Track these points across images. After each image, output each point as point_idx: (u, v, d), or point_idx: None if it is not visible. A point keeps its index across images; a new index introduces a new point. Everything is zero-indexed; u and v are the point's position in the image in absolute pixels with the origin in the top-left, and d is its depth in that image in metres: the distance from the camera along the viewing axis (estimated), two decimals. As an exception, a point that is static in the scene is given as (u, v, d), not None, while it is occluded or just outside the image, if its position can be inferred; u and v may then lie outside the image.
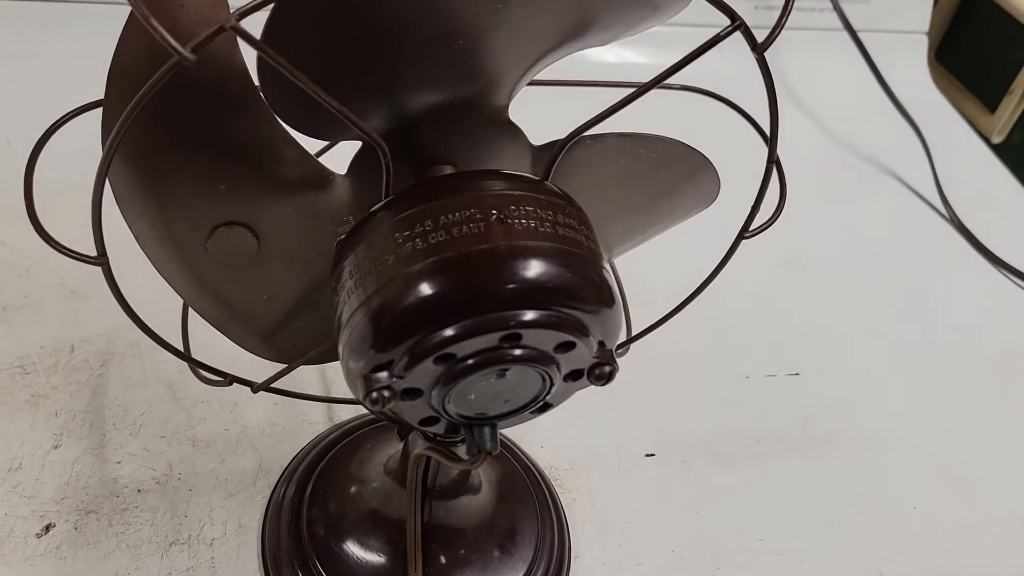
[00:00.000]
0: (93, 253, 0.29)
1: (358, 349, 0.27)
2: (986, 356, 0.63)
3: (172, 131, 0.28)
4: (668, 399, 0.55)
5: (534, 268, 0.26)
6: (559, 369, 0.28)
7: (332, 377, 0.52)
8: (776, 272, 0.66)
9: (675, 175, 0.35)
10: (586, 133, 0.29)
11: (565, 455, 0.51)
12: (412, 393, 0.28)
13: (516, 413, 0.30)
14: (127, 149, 0.28)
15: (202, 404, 0.49)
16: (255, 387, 0.37)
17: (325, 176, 0.31)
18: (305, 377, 0.50)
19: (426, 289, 0.25)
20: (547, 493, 0.46)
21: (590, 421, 0.52)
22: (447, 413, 0.29)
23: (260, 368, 0.37)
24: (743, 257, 0.36)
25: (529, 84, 0.31)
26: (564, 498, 0.48)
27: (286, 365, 0.36)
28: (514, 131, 0.31)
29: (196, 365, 0.36)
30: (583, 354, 0.28)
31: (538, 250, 0.26)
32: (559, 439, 0.51)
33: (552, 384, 0.29)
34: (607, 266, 0.29)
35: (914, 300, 0.67)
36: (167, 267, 0.32)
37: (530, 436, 0.51)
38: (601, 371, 0.28)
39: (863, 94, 0.86)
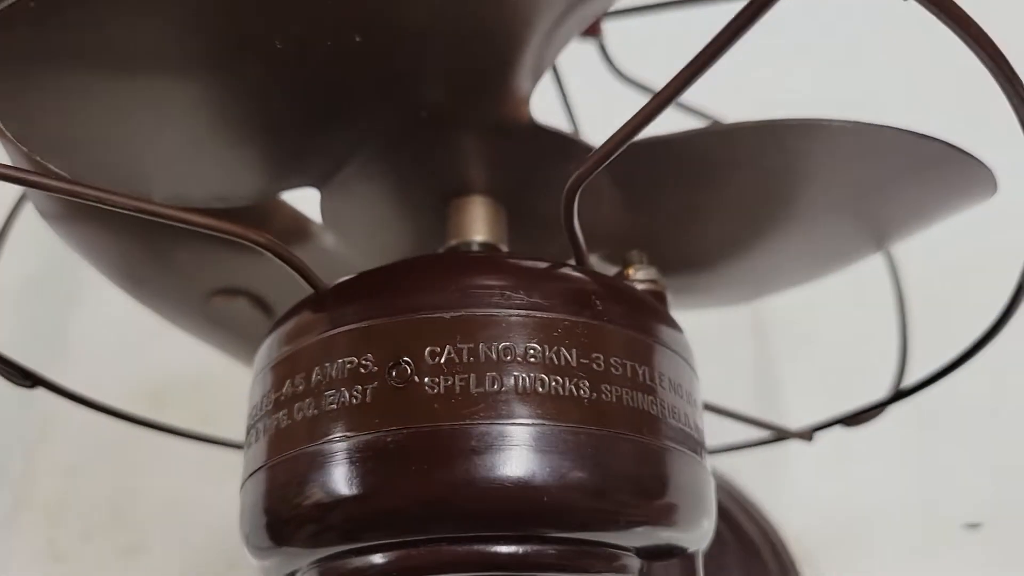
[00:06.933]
0: None
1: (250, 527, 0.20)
2: None
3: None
4: (1006, 440, 0.38)
5: (529, 467, 0.17)
6: None
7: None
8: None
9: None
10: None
11: (830, 522, 0.36)
12: None
13: None
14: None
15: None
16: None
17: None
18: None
19: (327, 487, 0.18)
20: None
21: (873, 470, 0.37)
22: None
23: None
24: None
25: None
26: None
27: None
28: (549, 137, 0.23)
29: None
30: None
31: (538, 436, 0.18)
32: (821, 495, 0.36)
33: None
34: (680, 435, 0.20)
35: None
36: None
37: (771, 485, 0.36)
38: None
39: None
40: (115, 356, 0.43)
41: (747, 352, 0.42)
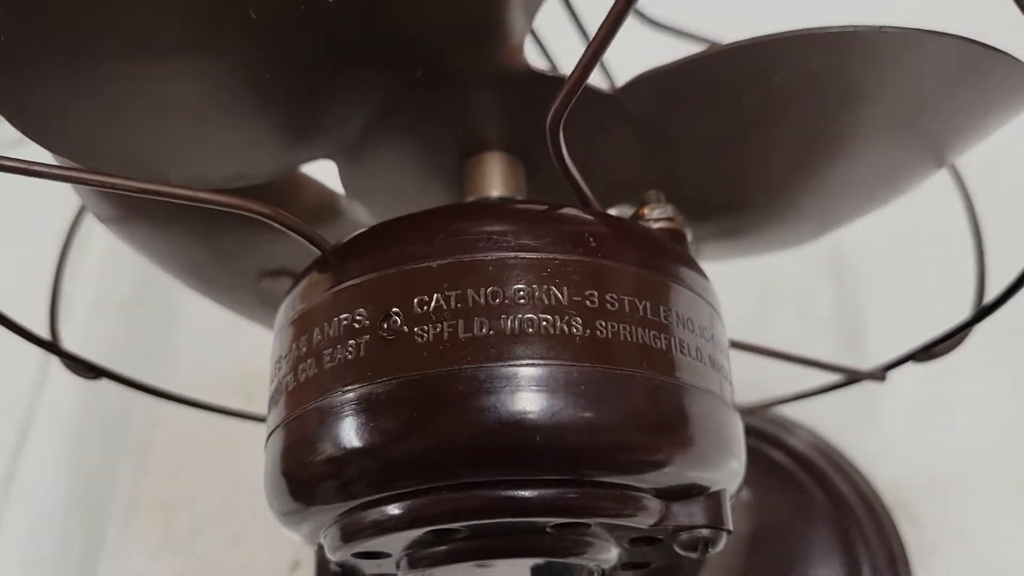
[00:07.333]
0: None
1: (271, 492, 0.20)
2: None
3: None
4: None
5: (522, 408, 0.17)
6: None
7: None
8: None
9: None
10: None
11: (924, 468, 0.33)
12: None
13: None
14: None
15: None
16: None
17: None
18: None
19: (336, 442, 0.18)
20: (879, 534, 0.31)
21: (975, 410, 0.34)
22: None
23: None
24: None
25: None
26: (915, 542, 0.32)
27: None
28: (550, 83, 0.22)
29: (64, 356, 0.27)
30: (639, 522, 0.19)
31: (528, 379, 0.17)
32: (913, 441, 0.34)
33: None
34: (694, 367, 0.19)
35: None
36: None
37: (861, 434, 0.33)
38: (691, 538, 0.19)
39: None
40: (210, 353, 0.45)
41: (827, 297, 0.39)
